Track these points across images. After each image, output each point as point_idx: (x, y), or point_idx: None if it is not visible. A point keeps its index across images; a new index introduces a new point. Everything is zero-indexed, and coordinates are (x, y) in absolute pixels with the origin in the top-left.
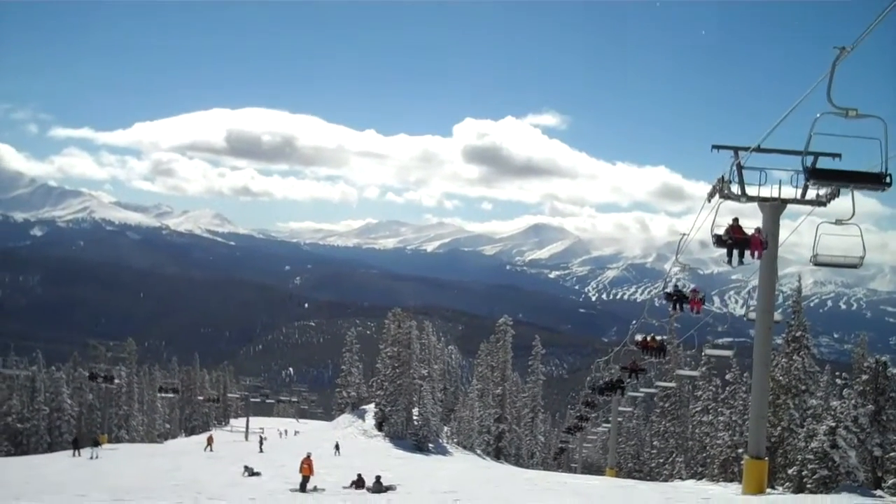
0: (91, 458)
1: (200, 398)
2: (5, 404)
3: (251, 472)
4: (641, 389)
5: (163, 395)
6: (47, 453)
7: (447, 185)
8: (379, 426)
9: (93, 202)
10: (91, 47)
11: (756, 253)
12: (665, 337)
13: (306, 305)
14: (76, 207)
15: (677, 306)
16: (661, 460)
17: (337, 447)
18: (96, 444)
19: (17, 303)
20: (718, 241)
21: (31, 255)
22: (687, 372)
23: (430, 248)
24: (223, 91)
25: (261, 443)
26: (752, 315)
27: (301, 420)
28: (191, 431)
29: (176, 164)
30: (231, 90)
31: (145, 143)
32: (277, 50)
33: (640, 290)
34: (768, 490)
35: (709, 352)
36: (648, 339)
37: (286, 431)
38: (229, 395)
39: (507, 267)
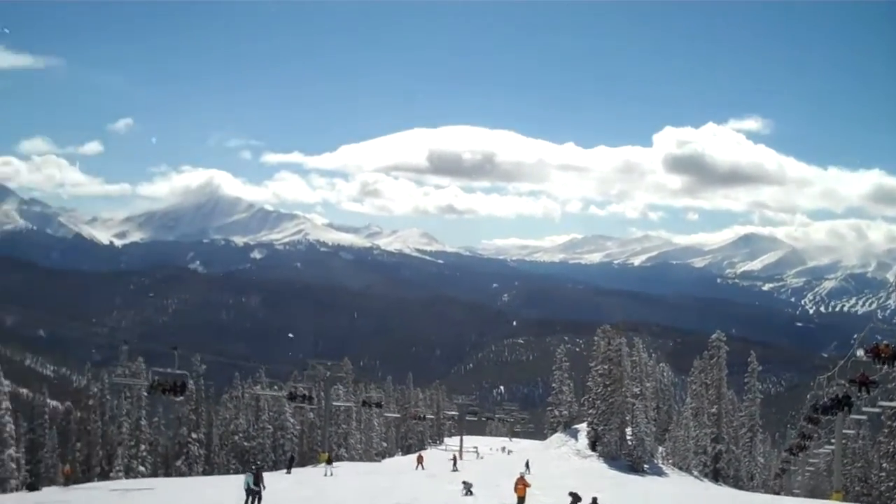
0: (325, 475)
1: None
2: (232, 423)
3: (468, 491)
4: (864, 409)
5: (383, 413)
6: (272, 472)
7: (650, 197)
8: (592, 446)
9: (307, 224)
10: (294, 76)
11: None
12: None
13: (514, 323)
14: (292, 230)
15: None
16: (892, 484)
17: (527, 465)
18: (329, 461)
19: (242, 325)
20: None
21: (251, 277)
22: None
23: (636, 261)
24: (422, 111)
25: (454, 461)
26: None
27: (514, 439)
28: (407, 450)
29: (382, 185)
30: (429, 110)
31: (351, 165)
32: (472, 67)
33: (860, 302)
34: None
35: None
36: (881, 346)
37: (503, 449)
38: (446, 412)
39: (718, 280)
